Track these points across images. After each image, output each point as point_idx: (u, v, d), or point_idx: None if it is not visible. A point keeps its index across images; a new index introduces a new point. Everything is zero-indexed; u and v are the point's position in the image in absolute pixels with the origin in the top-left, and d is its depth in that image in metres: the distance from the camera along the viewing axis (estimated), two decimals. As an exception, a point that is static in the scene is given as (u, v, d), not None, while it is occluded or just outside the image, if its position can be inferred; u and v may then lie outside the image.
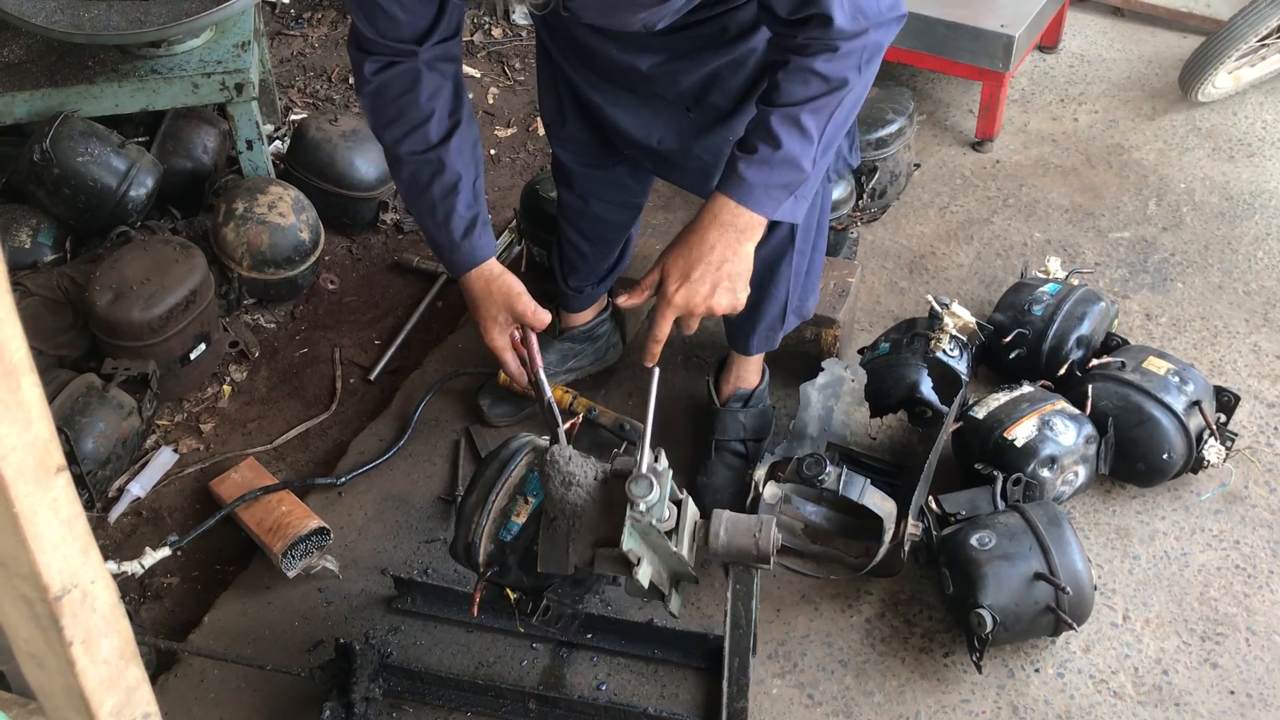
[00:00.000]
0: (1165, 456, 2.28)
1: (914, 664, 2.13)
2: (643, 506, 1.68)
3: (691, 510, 1.85)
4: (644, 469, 1.70)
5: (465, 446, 2.55)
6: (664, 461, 1.76)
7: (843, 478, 2.12)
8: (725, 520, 1.81)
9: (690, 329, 1.85)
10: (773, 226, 2.04)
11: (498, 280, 1.97)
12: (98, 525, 2.46)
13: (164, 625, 2.30)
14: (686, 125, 2.04)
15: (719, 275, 1.76)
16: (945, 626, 2.18)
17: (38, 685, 1.02)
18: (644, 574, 1.76)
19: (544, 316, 1.98)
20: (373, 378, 2.80)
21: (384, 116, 1.90)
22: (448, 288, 3.04)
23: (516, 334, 2.04)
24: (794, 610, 2.22)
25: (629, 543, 1.70)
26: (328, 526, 2.31)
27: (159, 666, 2.18)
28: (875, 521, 2.18)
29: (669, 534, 1.77)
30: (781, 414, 2.52)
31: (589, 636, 2.15)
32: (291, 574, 2.28)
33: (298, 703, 2.08)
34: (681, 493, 1.83)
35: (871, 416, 2.39)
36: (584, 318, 2.62)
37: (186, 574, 2.40)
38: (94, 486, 2.40)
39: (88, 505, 2.40)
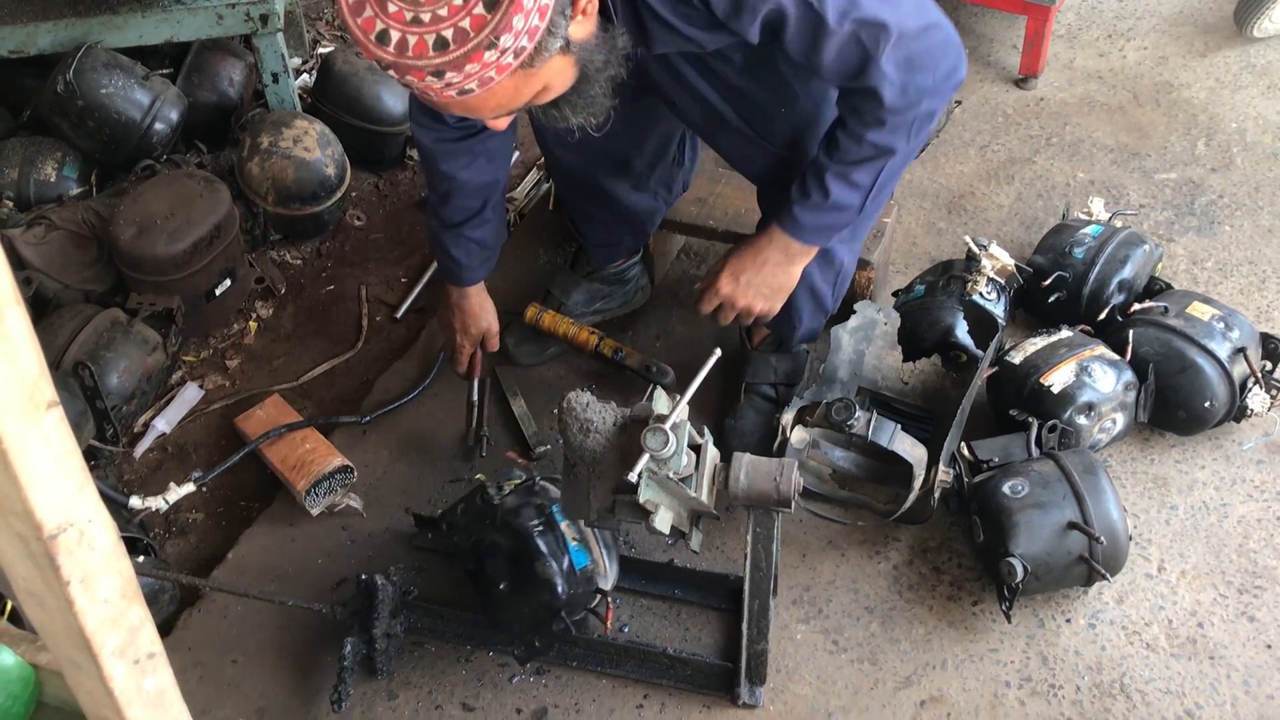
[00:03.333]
0: (1207, 404, 2.22)
1: (941, 612, 2.10)
2: (658, 460, 1.65)
3: (711, 454, 1.81)
4: (668, 425, 1.66)
5: (490, 386, 2.52)
6: (683, 412, 1.72)
7: (872, 423, 2.08)
8: (746, 463, 1.77)
9: (724, 321, 2.13)
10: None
11: (482, 309, 2.41)
12: (123, 460, 2.46)
13: (189, 560, 2.31)
14: (742, 84, 1.97)
15: (764, 287, 2.05)
16: (975, 575, 2.14)
17: (39, 623, 1.01)
18: (662, 521, 1.74)
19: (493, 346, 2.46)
20: (399, 316, 2.77)
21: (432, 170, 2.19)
22: (475, 225, 2.99)
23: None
24: (820, 556, 2.19)
25: (646, 493, 1.66)
26: (351, 465, 2.30)
27: (183, 602, 2.19)
28: (905, 468, 2.14)
29: (687, 479, 1.74)
30: (813, 358, 2.47)
31: (610, 577, 2.13)
32: (315, 511, 2.27)
33: (320, 638, 2.08)
34: (701, 437, 1.79)
35: (904, 361, 2.33)
36: (609, 265, 2.57)
37: (211, 510, 2.40)
38: (119, 422, 2.40)
39: (113, 440, 2.40)
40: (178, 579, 2.05)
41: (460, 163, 2.13)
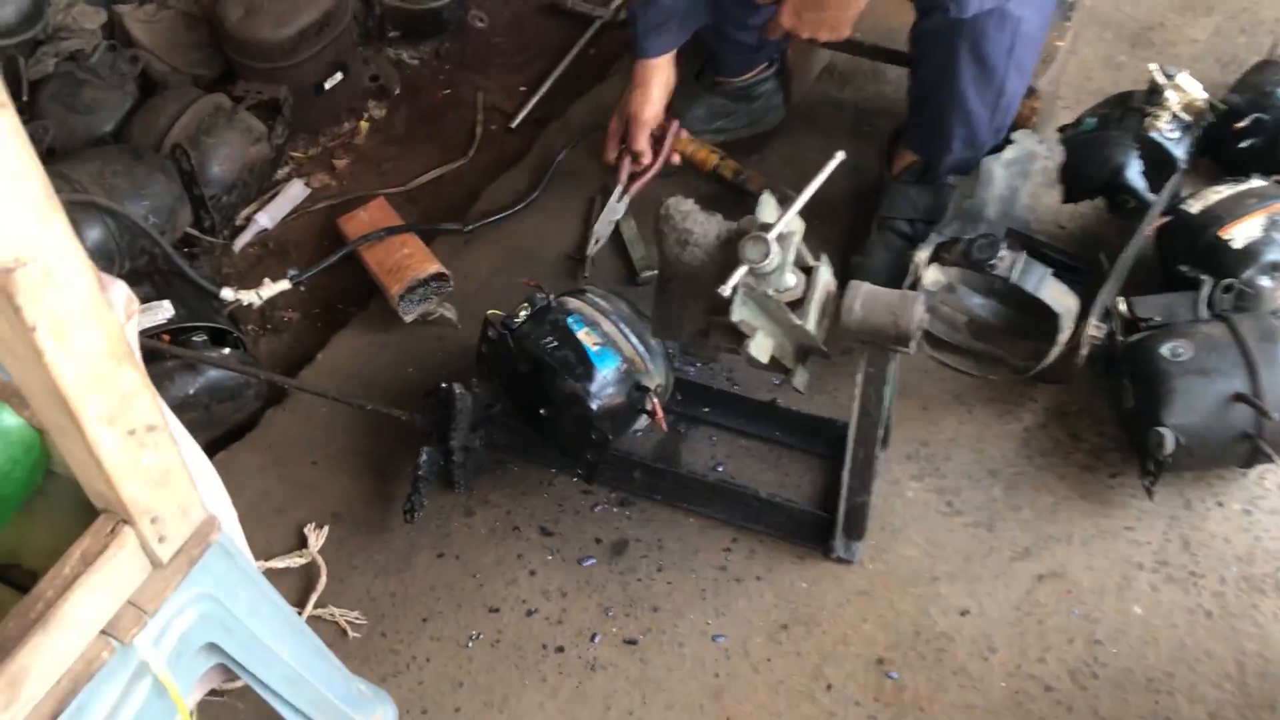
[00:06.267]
0: None
1: (1074, 482, 1.88)
2: (757, 274, 1.46)
3: (824, 279, 1.60)
4: (773, 235, 1.46)
5: (599, 205, 2.35)
6: (796, 223, 1.52)
7: (1019, 265, 1.83)
8: (862, 293, 1.56)
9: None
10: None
11: (642, 90, 2.13)
12: (222, 253, 2.39)
13: (281, 359, 2.24)
14: None
15: (824, 22, 1.89)
16: (1116, 445, 1.91)
17: (16, 376, 0.90)
18: (759, 348, 1.55)
19: (645, 157, 2.20)
20: (514, 126, 2.61)
21: None
22: (602, 35, 2.78)
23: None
24: (943, 410, 1.99)
25: (740, 313, 1.48)
26: (448, 273, 2.18)
27: (269, 400, 2.12)
28: (1050, 321, 1.90)
29: (794, 305, 1.55)
30: (959, 195, 2.20)
31: (705, 410, 1.97)
32: (408, 318, 2.17)
33: (402, 447, 1.99)
34: (816, 260, 1.59)
35: (1064, 202, 2.05)
36: (740, 76, 2.34)
37: (307, 310, 2.32)
38: (218, 212, 2.32)
39: (211, 231, 2.32)
40: (256, 374, 1.97)
41: None
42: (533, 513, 1.92)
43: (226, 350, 2.04)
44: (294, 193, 2.49)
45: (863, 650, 1.74)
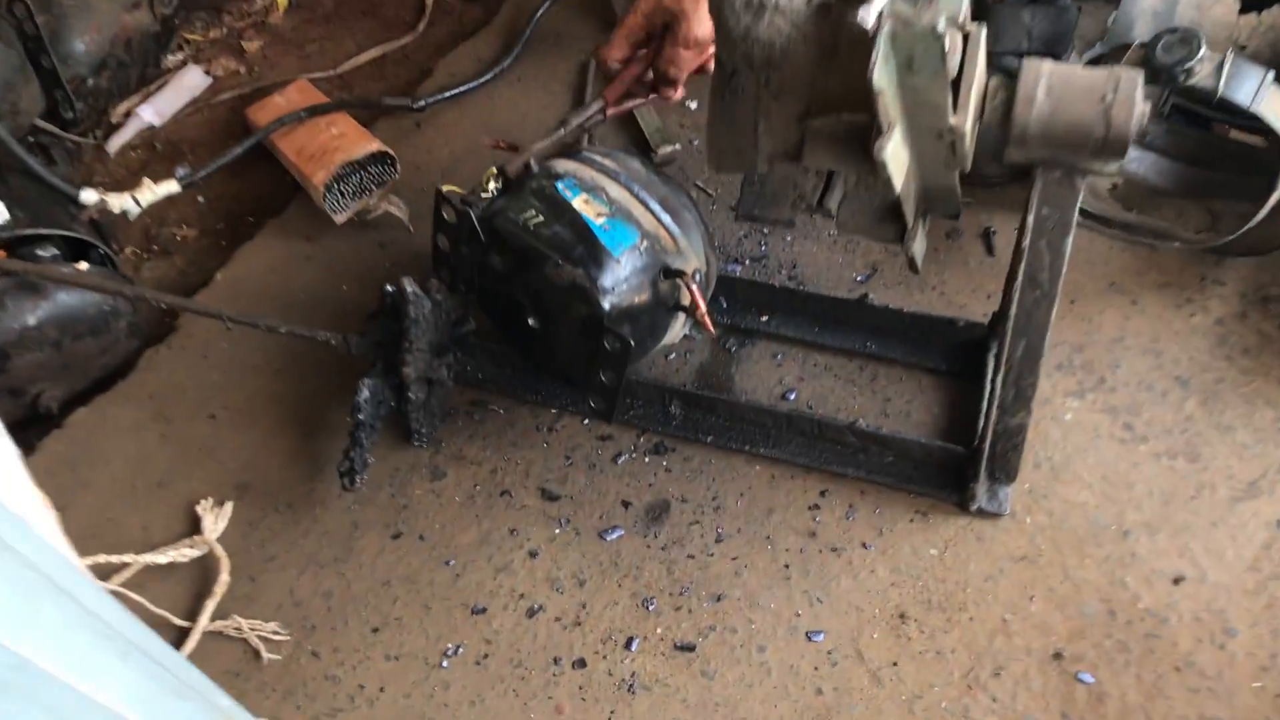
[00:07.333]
0: None
1: (1302, 388, 1.32)
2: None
3: (981, 59, 1.03)
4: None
5: (595, 69, 1.77)
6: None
7: (1227, 68, 1.26)
8: (1048, 76, 0.99)
9: None
10: None
11: None
12: (94, 155, 1.79)
13: (171, 287, 1.65)
14: None
15: None
16: (1352, 335, 1.35)
17: None
18: (895, 157, 0.97)
19: (673, 92, 1.33)
20: (475, -8, 2.03)
21: None
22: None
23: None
24: (1097, 302, 1.42)
25: (880, 76, 0.90)
26: (392, 154, 1.59)
27: (149, 337, 1.52)
28: (1238, 174, 1.34)
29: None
30: (1091, 17, 1.64)
31: (764, 320, 1.40)
32: (340, 218, 1.59)
33: (331, 387, 1.41)
34: (970, 23, 1.01)
35: (1242, 11, 1.50)
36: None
37: (208, 227, 1.72)
38: (84, 99, 1.72)
39: (72, 123, 1.72)
40: (122, 291, 1.37)
41: None
42: (529, 469, 1.33)
43: (84, 266, 1.44)
44: (190, 82, 1.89)
45: (1033, 642, 1.16)
